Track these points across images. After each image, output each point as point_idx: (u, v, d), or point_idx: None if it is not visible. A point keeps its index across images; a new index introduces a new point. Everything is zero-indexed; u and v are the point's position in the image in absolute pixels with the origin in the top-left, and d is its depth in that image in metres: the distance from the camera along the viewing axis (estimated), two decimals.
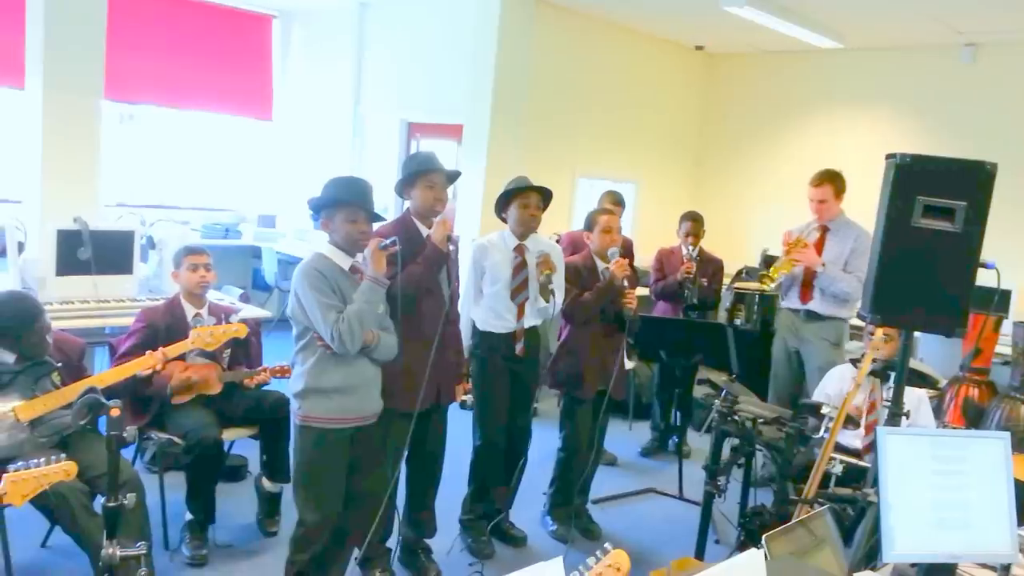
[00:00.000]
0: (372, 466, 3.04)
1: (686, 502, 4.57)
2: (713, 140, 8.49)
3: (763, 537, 1.94)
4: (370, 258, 2.82)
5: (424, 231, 3.26)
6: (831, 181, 4.56)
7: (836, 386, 4.02)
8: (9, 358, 3.03)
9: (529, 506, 4.17)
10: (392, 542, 3.48)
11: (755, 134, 8.14)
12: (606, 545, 1.67)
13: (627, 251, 4.95)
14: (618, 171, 7.70)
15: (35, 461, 2.10)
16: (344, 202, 2.87)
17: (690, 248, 5.30)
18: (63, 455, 2.17)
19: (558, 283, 3.72)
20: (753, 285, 6.09)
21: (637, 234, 7.39)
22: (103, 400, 2.02)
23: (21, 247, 4.16)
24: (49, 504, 2.77)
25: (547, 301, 3.64)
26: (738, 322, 5.76)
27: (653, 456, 5.40)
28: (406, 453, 3.42)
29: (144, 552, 2.00)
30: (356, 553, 3.31)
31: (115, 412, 1.76)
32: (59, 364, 3.12)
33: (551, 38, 6.82)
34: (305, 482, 2.96)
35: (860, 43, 7.06)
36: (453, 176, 3.34)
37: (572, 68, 7.15)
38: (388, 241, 2.84)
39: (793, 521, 2.14)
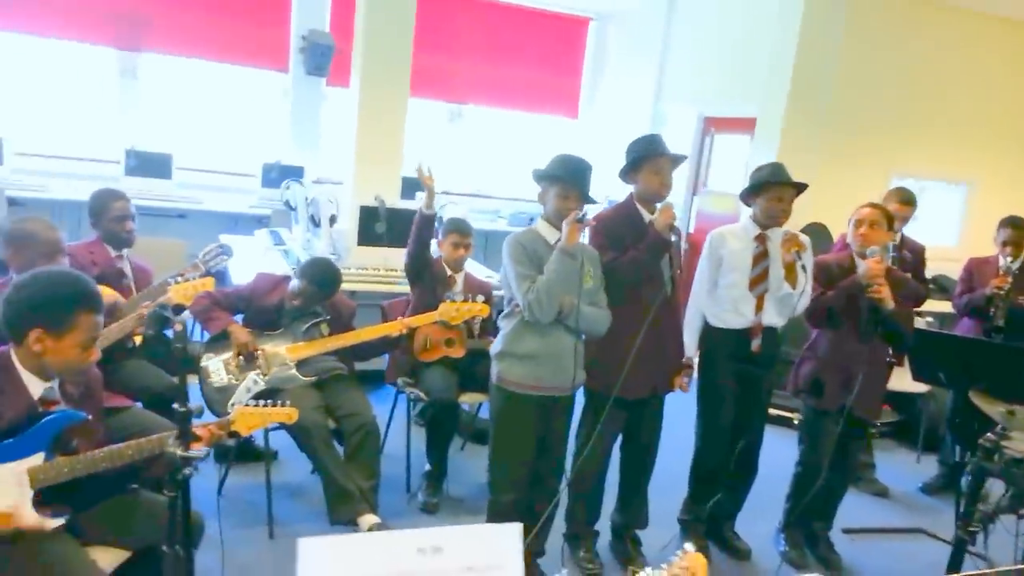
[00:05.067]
0: (560, 444, 3.10)
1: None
2: None
3: None
4: (565, 229, 2.87)
5: (646, 216, 3.21)
6: None
7: None
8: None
9: (763, 519, 3.89)
10: (601, 525, 3.51)
11: None
12: (686, 545, 1.56)
13: (916, 258, 4.37)
14: (945, 170, 6.77)
15: (264, 402, 2.49)
16: (559, 178, 2.96)
17: (1008, 259, 4.50)
18: (287, 401, 2.57)
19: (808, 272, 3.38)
20: None
21: (967, 243, 6.46)
22: (168, 315, 2.61)
23: (333, 219, 4.91)
24: (295, 434, 3.28)
25: (793, 286, 3.33)
26: None
27: (936, 495, 4.68)
28: (620, 439, 3.44)
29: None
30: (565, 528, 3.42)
31: (178, 327, 1.97)
32: (328, 317, 3.64)
33: (863, 22, 6.19)
34: (495, 443, 3.10)
35: None
36: (679, 160, 3.24)
37: (888, 55, 6.41)
38: (582, 213, 2.86)
39: None
